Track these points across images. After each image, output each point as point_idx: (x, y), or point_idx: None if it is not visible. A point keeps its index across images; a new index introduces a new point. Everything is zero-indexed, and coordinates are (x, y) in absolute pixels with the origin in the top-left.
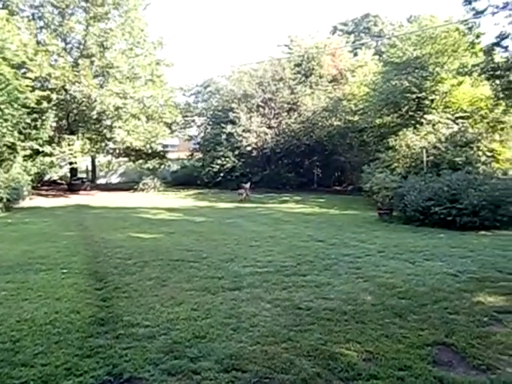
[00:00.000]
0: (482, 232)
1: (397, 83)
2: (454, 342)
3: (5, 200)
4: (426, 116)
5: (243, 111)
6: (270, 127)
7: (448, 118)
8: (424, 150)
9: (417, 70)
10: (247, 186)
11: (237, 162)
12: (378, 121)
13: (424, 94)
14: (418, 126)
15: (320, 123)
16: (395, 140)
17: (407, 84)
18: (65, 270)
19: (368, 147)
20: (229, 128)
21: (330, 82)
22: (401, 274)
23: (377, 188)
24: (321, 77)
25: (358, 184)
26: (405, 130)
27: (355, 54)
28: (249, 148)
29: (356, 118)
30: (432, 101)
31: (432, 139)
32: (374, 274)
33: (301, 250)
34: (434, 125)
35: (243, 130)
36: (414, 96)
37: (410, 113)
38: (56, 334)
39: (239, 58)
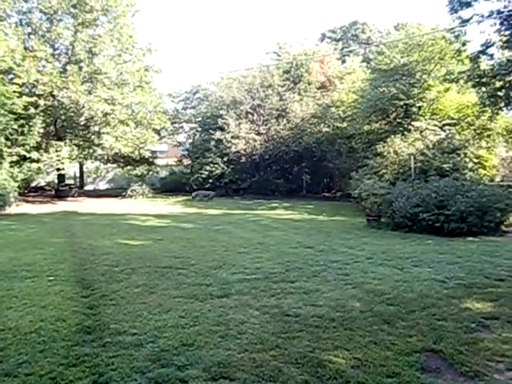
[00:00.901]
0: (470, 238)
1: (385, 90)
2: (442, 348)
3: None
4: (413, 123)
5: (232, 118)
6: (258, 134)
7: (435, 125)
8: (412, 157)
9: (404, 77)
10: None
11: (226, 168)
12: (366, 127)
13: (411, 100)
14: (405, 132)
15: (309, 130)
16: (383, 146)
17: (395, 91)
18: (51, 278)
19: (356, 154)
20: (217, 134)
21: (319, 88)
22: (389, 281)
23: (365, 194)
24: (309, 83)
25: (346, 190)
26: (393, 136)
27: (343, 61)
28: (238, 154)
29: (344, 124)
30: (419, 108)
31: (420, 146)
32: (362, 280)
33: (289, 257)
34: (421, 131)
35: (232, 137)
36: (401, 103)
37: (398, 119)
38: (41, 342)
39: (228, 65)
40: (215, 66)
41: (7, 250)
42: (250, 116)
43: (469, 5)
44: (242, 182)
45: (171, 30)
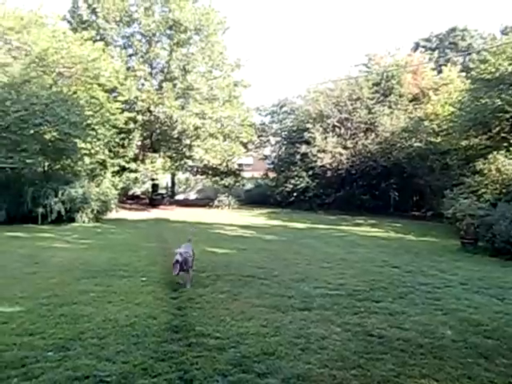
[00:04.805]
0: None
1: (487, 101)
2: None
3: (95, 211)
4: None
5: (318, 131)
6: (345, 148)
7: None
8: None
9: None
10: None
11: (310, 182)
12: (463, 143)
13: None
14: (511, 148)
15: (399, 144)
16: (484, 164)
17: (500, 102)
18: (144, 278)
19: (451, 171)
20: (303, 148)
21: (411, 101)
22: (487, 311)
23: (461, 215)
24: (401, 96)
25: (438, 210)
26: (495, 152)
27: (439, 72)
28: (323, 168)
29: (439, 139)
30: None
31: None
32: (454, 307)
33: (374, 275)
34: None
35: (318, 151)
36: (507, 115)
37: (502, 134)
38: (135, 336)
39: (315, 79)
40: (302, 80)
41: (107, 251)
42: (336, 130)
43: None
44: (327, 196)
45: (259, 44)
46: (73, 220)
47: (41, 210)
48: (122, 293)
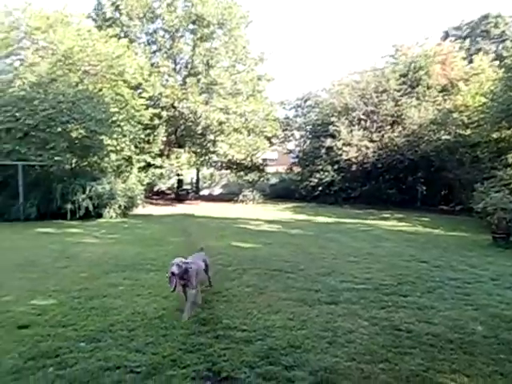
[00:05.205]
0: None
1: None
2: None
3: (122, 207)
4: None
5: (344, 124)
6: (371, 141)
7: None
8: None
9: None
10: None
11: (336, 176)
12: (494, 135)
13: None
14: None
15: (426, 137)
16: None
17: None
18: None
19: (482, 164)
20: (328, 142)
21: (440, 92)
22: None
23: (492, 209)
24: (429, 87)
25: (467, 204)
26: None
27: (470, 61)
28: (349, 162)
29: (468, 131)
30: None
31: None
32: (485, 302)
33: (402, 270)
34: None
35: (343, 144)
36: None
37: None
38: (163, 328)
39: (340, 71)
40: (326, 73)
41: (135, 246)
42: (362, 123)
43: None
44: (353, 190)
45: (282, 37)
46: (100, 216)
47: (69, 206)
48: (149, 286)
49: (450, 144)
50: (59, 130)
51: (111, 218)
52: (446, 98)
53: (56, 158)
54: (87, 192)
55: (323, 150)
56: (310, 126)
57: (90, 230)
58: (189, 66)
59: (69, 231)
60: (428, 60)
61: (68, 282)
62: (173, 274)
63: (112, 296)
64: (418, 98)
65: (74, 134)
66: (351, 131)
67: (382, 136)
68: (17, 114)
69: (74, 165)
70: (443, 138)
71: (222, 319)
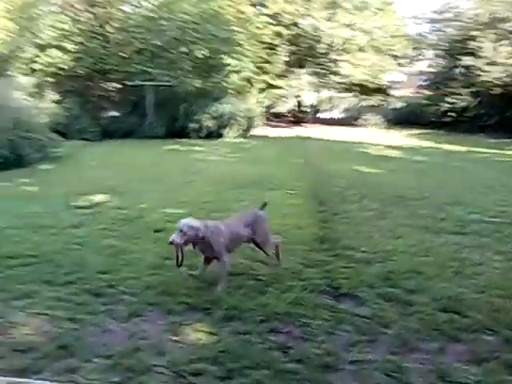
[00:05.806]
0: None
1: None
2: None
3: (242, 128)
4: None
5: (489, 39)
6: None
7: None
8: None
9: None
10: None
11: (471, 100)
12: None
13: None
14: None
15: None
16: None
17: None
18: (290, 192)
19: None
20: (467, 60)
21: None
22: None
23: None
24: None
25: None
26: None
27: None
28: (489, 84)
29: None
30: None
31: None
32: None
33: None
34: None
35: (486, 63)
36: None
37: None
38: (285, 243)
39: None
40: None
41: (255, 165)
42: None
43: None
44: (490, 117)
45: None
46: (221, 136)
47: (192, 125)
48: (270, 203)
49: None
50: (185, 50)
51: (231, 138)
52: None
53: (181, 79)
54: (209, 112)
55: (458, 71)
56: (446, 44)
57: (213, 148)
58: None
59: (193, 149)
60: None
61: (195, 195)
62: (171, 243)
63: (234, 210)
64: None
65: (197, 55)
66: (498, 47)
67: None
68: (145, 35)
69: (197, 85)
70: None
71: (341, 240)
